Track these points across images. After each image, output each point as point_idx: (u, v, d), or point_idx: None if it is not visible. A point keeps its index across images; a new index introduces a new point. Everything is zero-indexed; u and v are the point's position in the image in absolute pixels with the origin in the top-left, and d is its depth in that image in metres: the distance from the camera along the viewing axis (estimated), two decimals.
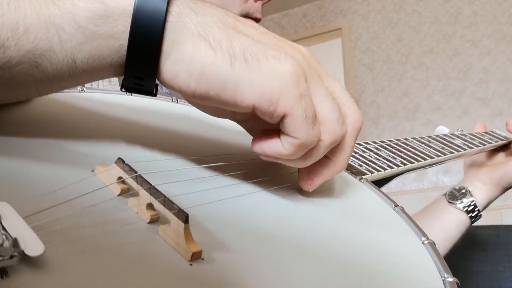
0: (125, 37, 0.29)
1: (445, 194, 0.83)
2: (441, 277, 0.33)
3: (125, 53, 0.29)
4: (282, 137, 0.33)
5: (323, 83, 0.34)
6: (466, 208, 0.80)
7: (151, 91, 0.32)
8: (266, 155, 0.35)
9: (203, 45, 0.30)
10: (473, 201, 0.80)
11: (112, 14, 0.29)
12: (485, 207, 0.83)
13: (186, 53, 0.29)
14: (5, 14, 0.27)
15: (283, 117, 0.31)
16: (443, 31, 3.38)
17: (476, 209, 0.80)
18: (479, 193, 0.82)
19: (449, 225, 0.79)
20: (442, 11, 3.40)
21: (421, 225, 0.81)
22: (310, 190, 0.39)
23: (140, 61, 0.30)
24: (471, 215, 0.80)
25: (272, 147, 0.34)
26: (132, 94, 0.48)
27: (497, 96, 3.12)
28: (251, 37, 0.32)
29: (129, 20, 0.29)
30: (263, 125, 0.37)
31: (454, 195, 0.82)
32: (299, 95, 0.31)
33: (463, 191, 0.82)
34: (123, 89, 0.32)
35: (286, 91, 0.30)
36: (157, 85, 0.32)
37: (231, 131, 0.48)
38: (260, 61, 0.30)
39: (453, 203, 0.81)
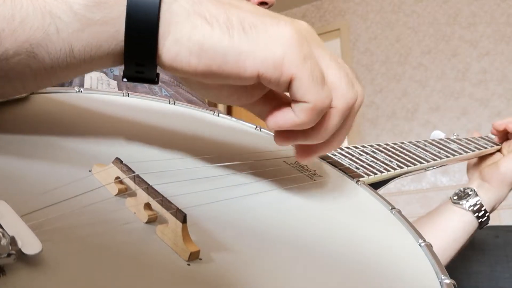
0: (122, 21, 0.29)
1: (450, 197, 0.83)
2: (438, 279, 0.33)
3: (122, 38, 0.29)
4: (293, 105, 0.32)
5: (326, 49, 0.33)
6: (472, 207, 0.80)
7: (153, 79, 0.32)
8: (280, 128, 0.34)
9: (199, 22, 0.29)
10: (478, 200, 0.80)
11: (107, 0, 0.29)
12: (494, 208, 0.82)
13: (183, 31, 0.29)
14: (1, 7, 0.27)
15: (290, 82, 0.31)
16: (441, 31, 3.38)
17: (482, 209, 0.79)
18: (484, 192, 0.81)
19: (455, 226, 0.79)
20: (441, 12, 3.41)
21: (427, 227, 0.81)
22: (306, 163, 0.38)
23: (139, 45, 0.29)
24: (477, 215, 0.79)
25: (285, 118, 0.33)
26: (130, 95, 0.48)
27: (495, 96, 3.13)
28: (247, 10, 0.31)
29: (124, 4, 0.29)
30: (271, 106, 0.37)
31: (460, 195, 0.82)
32: (303, 56, 0.30)
33: (468, 191, 0.82)
34: (124, 79, 0.32)
35: (290, 53, 0.30)
36: (157, 74, 0.32)
37: (231, 130, 0.48)
38: (259, 29, 0.30)
39: (458, 203, 0.81)
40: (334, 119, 0.33)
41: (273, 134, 0.36)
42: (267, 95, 0.37)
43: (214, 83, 0.33)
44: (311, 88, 0.31)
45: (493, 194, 0.82)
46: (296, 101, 0.32)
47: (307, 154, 0.38)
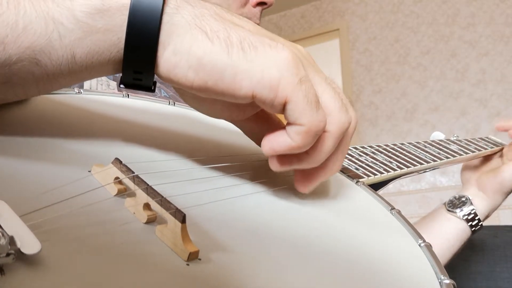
0: (123, 30, 0.29)
1: (445, 203, 0.83)
2: (438, 279, 0.33)
3: (123, 46, 0.30)
4: (288, 128, 0.32)
5: (321, 74, 0.34)
6: (466, 216, 0.79)
7: (150, 86, 0.32)
8: (275, 153, 0.34)
9: (200, 36, 0.30)
10: (473, 209, 0.79)
11: (110, 8, 0.29)
12: (487, 216, 0.82)
13: (183, 44, 0.30)
14: (5, 13, 0.27)
15: (285, 105, 0.31)
16: (440, 32, 3.39)
17: (476, 218, 0.79)
18: (479, 201, 0.81)
19: (449, 233, 0.79)
20: (440, 12, 3.41)
21: (421, 233, 0.81)
22: (307, 192, 0.39)
23: (138, 53, 0.30)
24: (471, 224, 0.79)
25: (280, 142, 0.33)
26: (130, 96, 0.48)
27: (494, 97, 3.13)
28: (247, 29, 0.32)
29: (127, 13, 0.29)
30: (263, 126, 0.37)
31: (454, 203, 0.81)
32: (298, 79, 0.31)
33: (463, 199, 0.81)
34: (121, 85, 0.32)
35: (286, 76, 0.30)
36: (155, 82, 0.32)
37: (230, 132, 0.48)
38: (258, 49, 0.30)
39: (452, 211, 0.80)
40: (328, 143, 0.34)
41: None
42: (259, 114, 0.37)
43: (208, 98, 0.33)
44: (306, 111, 0.31)
45: (488, 203, 0.81)
46: (290, 124, 0.32)
47: (306, 181, 0.38)
